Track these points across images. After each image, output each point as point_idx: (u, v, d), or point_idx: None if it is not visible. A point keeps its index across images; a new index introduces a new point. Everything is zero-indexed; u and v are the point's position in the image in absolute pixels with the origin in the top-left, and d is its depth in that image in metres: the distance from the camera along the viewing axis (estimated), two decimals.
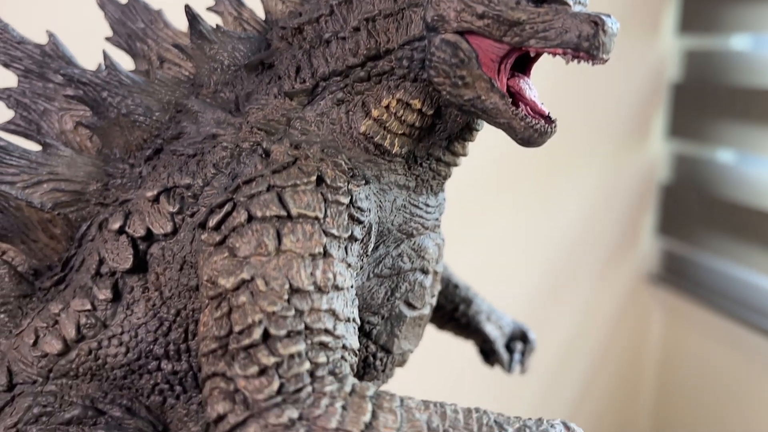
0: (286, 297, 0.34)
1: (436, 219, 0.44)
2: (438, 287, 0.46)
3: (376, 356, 0.43)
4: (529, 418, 0.35)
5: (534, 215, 1.31)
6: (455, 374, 1.30)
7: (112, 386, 0.42)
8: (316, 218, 0.36)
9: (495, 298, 1.48)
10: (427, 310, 0.45)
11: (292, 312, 0.34)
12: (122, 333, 0.40)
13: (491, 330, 0.58)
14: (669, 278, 1.37)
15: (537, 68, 0.41)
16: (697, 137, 1.24)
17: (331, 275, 0.36)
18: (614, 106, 1.28)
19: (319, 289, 0.35)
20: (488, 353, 0.60)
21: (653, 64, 1.26)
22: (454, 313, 0.58)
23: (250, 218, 0.36)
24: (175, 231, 0.39)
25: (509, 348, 0.59)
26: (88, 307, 0.40)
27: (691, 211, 1.27)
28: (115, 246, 0.40)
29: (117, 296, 0.40)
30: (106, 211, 0.41)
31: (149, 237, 0.40)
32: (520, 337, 0.60)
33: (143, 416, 0.42)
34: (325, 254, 0.36)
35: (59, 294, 0.42)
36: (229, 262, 0.35)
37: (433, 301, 0.46)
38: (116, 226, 0.40)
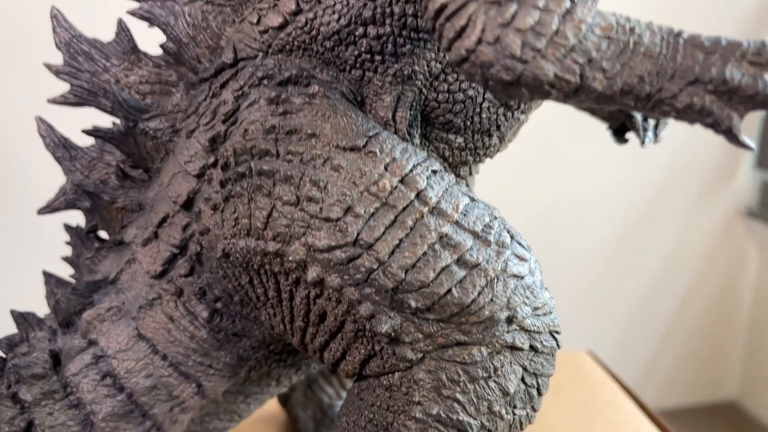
0: None
1: None
2: None
3: None
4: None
5: (629, 143, 1.34)
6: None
7: (320, 60, 0.49)
8: None
9: (588, 225, 1.50)
10: None
11: None
12: (335, 4, 0.48)
13: None
14: (767, 212, 1.37)
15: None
16: None
17: None
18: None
19: None
20: (621, 128, 0.64)
21: None
22: None
23: None
24: None
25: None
26: None
27: None
28: None
29: None
30: None
31: None
32: None
33: (346, 85, 0.49)
34: None
35: None
36: None
37: None
38: None
